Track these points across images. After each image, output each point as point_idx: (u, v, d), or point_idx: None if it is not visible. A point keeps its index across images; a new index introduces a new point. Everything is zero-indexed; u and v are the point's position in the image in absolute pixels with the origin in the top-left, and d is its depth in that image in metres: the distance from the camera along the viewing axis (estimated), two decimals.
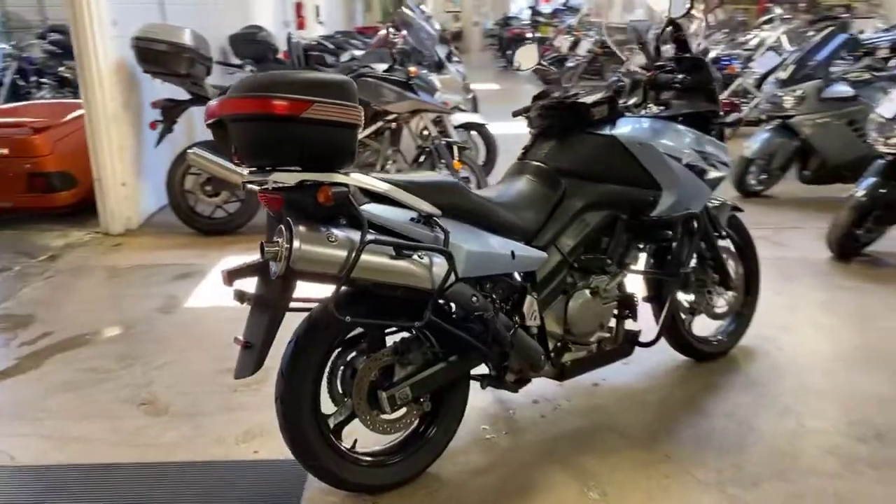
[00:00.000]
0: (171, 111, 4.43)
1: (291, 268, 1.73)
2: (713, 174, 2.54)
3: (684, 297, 2.80)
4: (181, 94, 4.50)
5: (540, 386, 2.49)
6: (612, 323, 2.47)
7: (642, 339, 2.55)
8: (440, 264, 1.91)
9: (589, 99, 2.37)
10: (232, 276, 1.85)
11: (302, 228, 1.76)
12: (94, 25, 4.18)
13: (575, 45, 10.31)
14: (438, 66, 5.36)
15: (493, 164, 5.62)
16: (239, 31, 6.45)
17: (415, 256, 1.89)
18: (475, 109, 7.95)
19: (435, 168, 4.44)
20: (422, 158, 4.43)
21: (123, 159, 4.52)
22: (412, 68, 4.38)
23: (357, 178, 1.87)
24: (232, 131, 1.78)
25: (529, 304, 2.20)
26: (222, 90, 4.43)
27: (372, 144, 4.45)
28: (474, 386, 2.23)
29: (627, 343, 2.51)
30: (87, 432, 2.45)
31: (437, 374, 2.07)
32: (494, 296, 2.14)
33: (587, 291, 2.33)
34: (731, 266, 2.87)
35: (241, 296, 1.87)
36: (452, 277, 1.94)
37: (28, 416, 2.55)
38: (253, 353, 1.83)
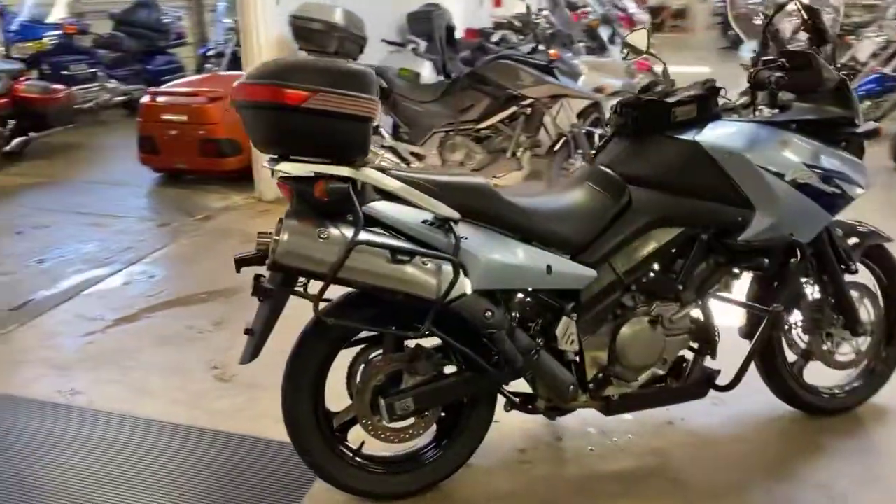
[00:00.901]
0: None
1: (277, 262, 1.69)
2: (836, 196, 2.08)
3: (800, 338, 2.35)
4: None
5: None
6: (684, 356, 2.15)
7: (726, 380, 2.18)
8: (448, 272, 1.76)
9: (673, 97, 2.04)
10: (239, 263, 1.85)
11: (293, 222, 1.71)
12: (258, 3, 4.45)
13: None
14: (601, 49, 5.02)
15: None
16: (416, 10, 6.54)
17: (417, 262, 1.76)
18: None
19: (570, 158, 4.18)
20: (558, 146, 4.19)
21: None
22: (553, 51, 4.13)
23: (368, 174, 1.76)
24: (243, 117, 1.77)
25: (565, 326, 1.96)
26: (376, 70, 4.53)
27: (505, 130, 4.29)
28: None
29: (700, 383, 2.16)
30: (160, 388, 2.63)
31: (445, 390, 1.93)
32: (517, 312, 1.94)
33: (646, 319, 2.02)
34: (866, 308, 2.35)
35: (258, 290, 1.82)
36: (462, 288, 1.79)
37: (120, 364, 2.81)
38: (253, 341, 1.83)
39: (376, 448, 2.03)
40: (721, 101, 2.15)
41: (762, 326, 2.15)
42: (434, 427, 2.06)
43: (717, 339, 2.14)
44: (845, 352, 2.36)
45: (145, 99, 5.24)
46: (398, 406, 1.88)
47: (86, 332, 3.06)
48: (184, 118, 5.03)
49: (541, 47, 4.25)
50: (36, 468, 2.19)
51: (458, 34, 6.46)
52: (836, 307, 2.30)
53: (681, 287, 2.06)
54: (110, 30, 8.14)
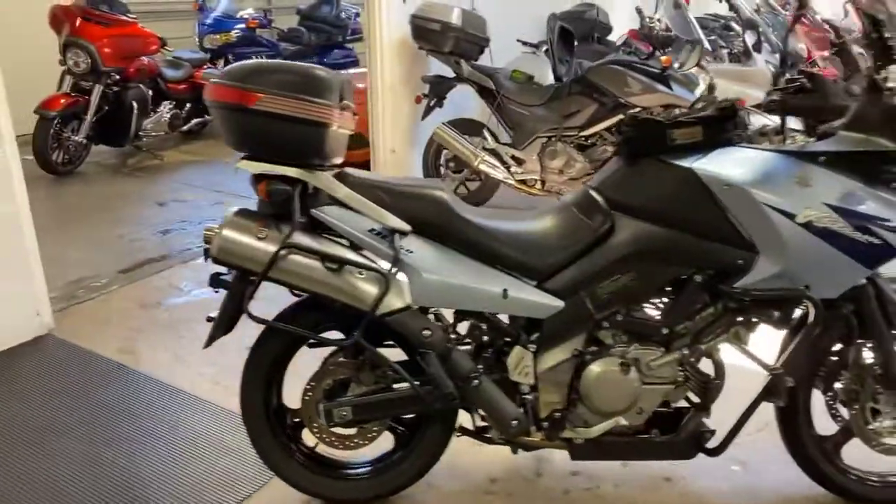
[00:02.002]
0: (438, 87, 4.65)
1: (214, 256, 1.75)
2: (875, 247, 1.72)
3: (843, 410, 1.99)
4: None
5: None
6: (682, 410, 1.91)
7: (717, 443, 1.92)
8: (383, 285, 1.72)
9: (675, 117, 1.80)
10: (207, 252, 1.94)
11: (237, 218, 1.76)
12: (384, 2, 4.59)
13: None
14: (745, 55, 4.54)
15: None
16: (569, 9, 6.36)
17: (353, 271, 1.73)
18: None
19: None
20: None
21: (395, 128, 4.92)
22: (665, 57, 3.80)
23: (319, 178, 1.77)
24: (213, 116, 1.85)
25: (519, 357, 1.83)
26: (486, 71, 4.49)
27: (610, 139, 4.04)
28: None
29: (691, 442, 1.91)
30: (196, 360, 2.84)
31: (382, 404, 1.88)
32: (469, 336, 1.84)
33: (617, 361, 1.82)
34: None
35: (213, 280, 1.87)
36: (399, 303, 1.74)
37: (176, 333, 3.07)
38: (212, 329, 1.91)
39: (333, 451, 2.04)
40: (754, 126, 1.88)
41: (762, 389, 1.84)
42: (393, 438, 2.03)
43: (713, 392, 1.88)
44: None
45: None
46: (336, 413, 1.87)
47: (166, 299, 3.39)
48: None
49: (657, 53, 3.94)
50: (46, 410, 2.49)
51: (616, 36, 6.19)
52: (885, 380, 1.91)
53: (665, 332, 1.83)
54: (296, 24, 8.83)
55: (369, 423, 1.94)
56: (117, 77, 5.54)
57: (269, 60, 1.84)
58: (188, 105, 6.43)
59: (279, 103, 1.69)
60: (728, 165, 1.74)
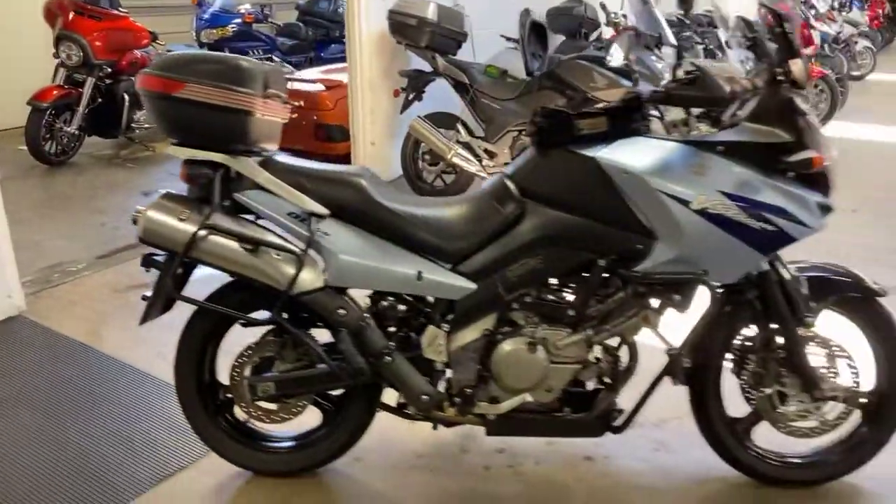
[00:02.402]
0: (415, 81, 4.74)
1: (140, 236, 1.86)
2: (769, 234, 1.79)
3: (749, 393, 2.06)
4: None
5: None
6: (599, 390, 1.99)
7: (634, 422, 2.00)
8: (306, 265, 1.82)
9: (586, 106, 1.88)
10: None
11: (161, 199, 1.86)
12: None
13: None
14: (711, 54, 4.59)
15: None
16: (558, 5, 6.42)
17: (269, 251, 1.83)
18: (832, 108, 6.61)
19: None
20: None
21: (374, 121, 5.02)
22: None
23: (242, 163, 1.87)
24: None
25: (431, 335, 1.92)
26: (460, 65, 4.57)
27: None
28: None
29: (598, 420, 1.99)
30: (155, 340, 2.94)
31: (303, 380, 1.97)
32: (385, 315, 1.93)
33: (525, 341, 1.91)
34: (837, 371, 1.99)
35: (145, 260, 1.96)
36: (315, 283, 1.84)
37: None
38: (146, 308, 2.01)
39: (262, 425, 2.14)
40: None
41: (663, 369, 1.92)
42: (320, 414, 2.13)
43: (624, 375, 1.96)
44: (804, 418, 2.02)
45: None
46: (260, 388, 1.97)
47: (138, 284, 3.51)
48: (301, 103, 5.43)
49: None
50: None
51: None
52: (789, 363, 1.98)
53: (572, 314, 1.91)
54: (295, 19, 8.96)
55: (293, 399, 2.03)
56: (109, 70, 5.67)
57: (197, 51, 1.94)
58: None
59: (202, 92, 1.79)
60: (629, 154, 1.81)
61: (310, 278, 1.85)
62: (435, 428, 2.05)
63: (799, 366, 1.96)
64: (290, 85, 5.57)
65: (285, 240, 1.86)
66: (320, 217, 1.86)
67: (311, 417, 2.12)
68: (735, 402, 2.06)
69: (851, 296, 1.98)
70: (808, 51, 6.53)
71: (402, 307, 1.95)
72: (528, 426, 2.02)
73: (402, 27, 4.55)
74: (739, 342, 2.03)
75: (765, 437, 2.08)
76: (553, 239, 1.87)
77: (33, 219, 4.43)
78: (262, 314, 1.94)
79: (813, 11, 7.44)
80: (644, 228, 1.81)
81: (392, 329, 1.96)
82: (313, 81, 5.54)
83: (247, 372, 2.02)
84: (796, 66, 1.82)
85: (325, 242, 1.86)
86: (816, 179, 1.82)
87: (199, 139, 1.86)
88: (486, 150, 4.40)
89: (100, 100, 5.66)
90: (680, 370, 1.92)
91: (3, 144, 6.15)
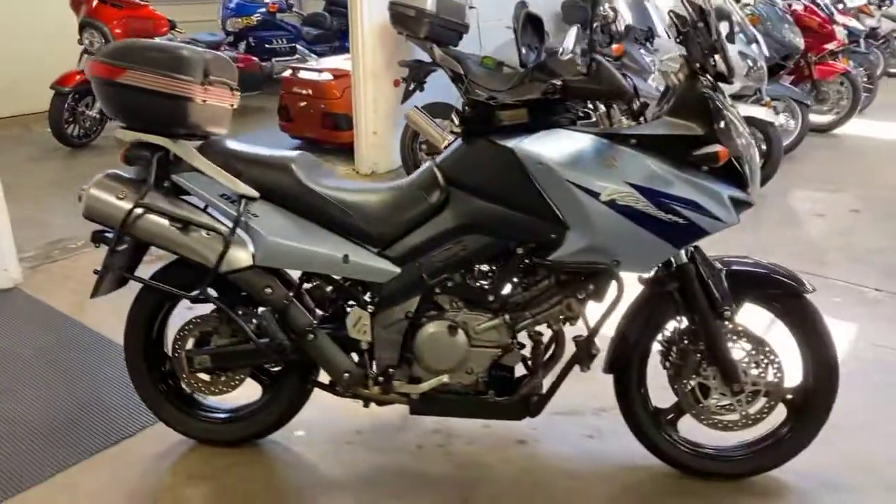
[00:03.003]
0: (416, 71, 4.80)
1: (83, 212, 1.98)
2: (679, 227, 1.81)
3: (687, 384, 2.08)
4: None
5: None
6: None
7: (555, 408, 2.05)
8: (234, 244, 1.92)
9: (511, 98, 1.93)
10: None
11: (104, 178, 1.98)
12: None
13: None
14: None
15: (770, 173, 4.60)
16: None
17: (200, 231, 1.94)
18: (854, 105, 6.45)
19: None
20: None
21: (376, 111, 5.10)
22: (616, 45, 3.85)
23: (180, 146, 1.97)
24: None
25: (356, 316, 1.99)
26: (457, 56, 4.62)
27: None
28: None
29: (520, 403, 2.04)
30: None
31: (235, 354, 2.08)
32: (314, 294, 2.02)
33: (446, 324, 1.97)
34: (760, 365, 2.00)
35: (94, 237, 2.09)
36: (242, 262, 1.94)
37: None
38: (97, 282, 2.13)
39: (205, 396, 2.25)
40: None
41: (571, 356, 1.97)
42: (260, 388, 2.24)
43: (548, 362, 2.01)
44: (726, 411, 2.04)
45: (287, 72, 5.87)
46: (196, 360, 2.08)
47: None
48: (309, 92, 5.56)
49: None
50: None
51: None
52: (710, 356, 2.00)
53: (492, 299, 1.97)
54: (321, 9, 9.08)
55: (231, 372, 2.14)
56: None
57: (141, 40, 2.04)
58: None
59: (143, 78, 1.89)
60: (545, 146, 1.85)
61: (237, 258, 1.94)
62: (366, 406, 2.13)
63: (719, 358, 1.98)
64: (299, 74, 5.72)
65: (216, 220, 1.96)
66: (251, 199, 1.96)
67: (255, 390, 2.22)
68: (666, 394, 2.09)
69: (774, 292, 1.99)
70: (832, 46, 6.37)
71: (329, 288, 2.03)
72: (450, 406, 2.08)
73: (402, 18, 4.61)
74: (667, 334, 2.06)
75: (697, 428, 2.10)
76: (473, 226, 1.93)
77: (47, 198, 4.66)
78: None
79: (840, 6, 7.23)
80: (557, 218, 1.85)
81: (320, 309, 2.04)
82: (321, 71, 5.65)
83: (189, 345, 2.14)
84: (718, 59, 1.84)
85: (253, 223, 1.95)
86: (732, 174, 1.84)
87: (143, 123, 1.97)
88: None
89: None
90: (587, 356, 1.96)
91: (30, 127, 6.44)
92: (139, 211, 1.93)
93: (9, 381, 2.60)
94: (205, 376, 2.14)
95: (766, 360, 2.01)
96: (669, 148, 1.82)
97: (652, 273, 2.01)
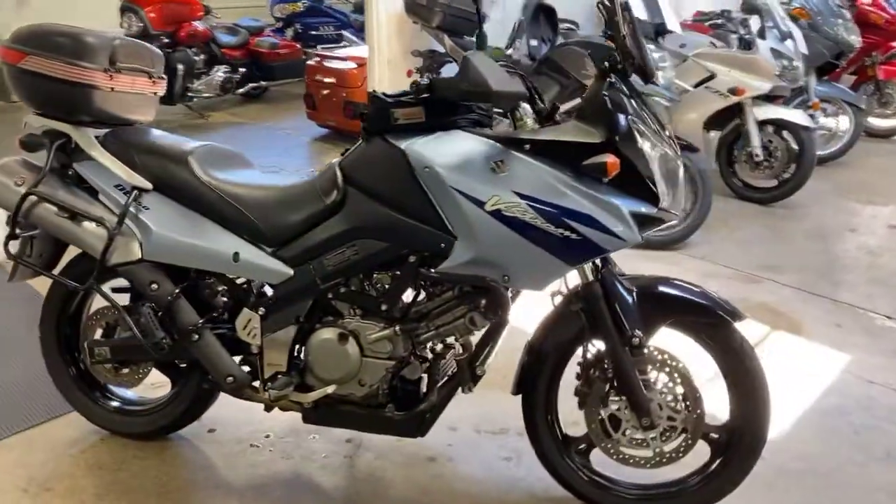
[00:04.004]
0: (430, 61, 4.69)
1: None
2: (572, 242, 1.64)
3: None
4: None
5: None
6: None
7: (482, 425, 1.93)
8: (122, 236, 1.89)
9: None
10: None
11: (8, 161, 1.98)
12: None
13: None
14: (747, 45, 4.19)
15: (801, 180, 4.25)
16: None
17: (90, 221, 1.90)
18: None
19: None
20: None
21: None
22: None
23: (80, 134, 1.94)
24: None
25: (246, 318, 1.92)
26: (466, 46, 4.47)
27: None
28: None
29: (414, 420, 1.92)
30: None
31: (130, 349, 2.04)
32: (204, 293, 1.95)
33: (336, 332, 1.86)
34: (674, 397, 1.81)
35: None
36: (131, 255, 1.89)
37: None
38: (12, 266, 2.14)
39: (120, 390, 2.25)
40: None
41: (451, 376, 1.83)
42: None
43: (436, 376, 1.89)
44: (639, 446, 1.85)
45: (313, 60, 5.86)
46: (96, 351, 2.06)
47: None
48: (333, 80, 5.53)
49: None
50: None
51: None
52: (619, 386, 1.82)
53: (384, 308, 1.85)
54: None
55: (134, 365, 2.11)
56: (166, 40, 6.02)
57: (49, 24, 1.98)
58: (243, 69, 6.85)
59: (43, 64, 1.87)
60: (435, 148, 1.71)
61: (126, 250, 1.90)
62: (267, 410, 2.06)
63: (627, 388, 1.80)
64: (323, 62, 5.69)
65: (109, 211, 1.92)
66: (143, 191, 1.91)
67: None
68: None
69: (696, 319, 1.78)
70: None
71: (221, 287, 1.97)
72: (344, 418, 1.97)
73: (416, 7, 4.49)
74: (588, 357, 1.89)
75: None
76: (366, 230, 1.81)
77: None
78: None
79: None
80: (445, 226, 1.71)
81: (211, 308, 1.98)
82: (344, 59, 5.61)
83: (96, 335, 2.12)
84: (625, 56, 1.66)
85: (143, 216, 1.90)
86: (639, 187, 1.65)
87: (48, 109, 1.95)
88: None
89: None
90: (468, 379, 1.82)
91: None
92: (33, 198, 1.91)
93: None
94: (110, 367, 2.12)
95: (685, 393, 1.81)
96: (565, 155, 1.65)
97: (560, 288, 1.85)
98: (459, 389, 1.85)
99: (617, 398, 1.83)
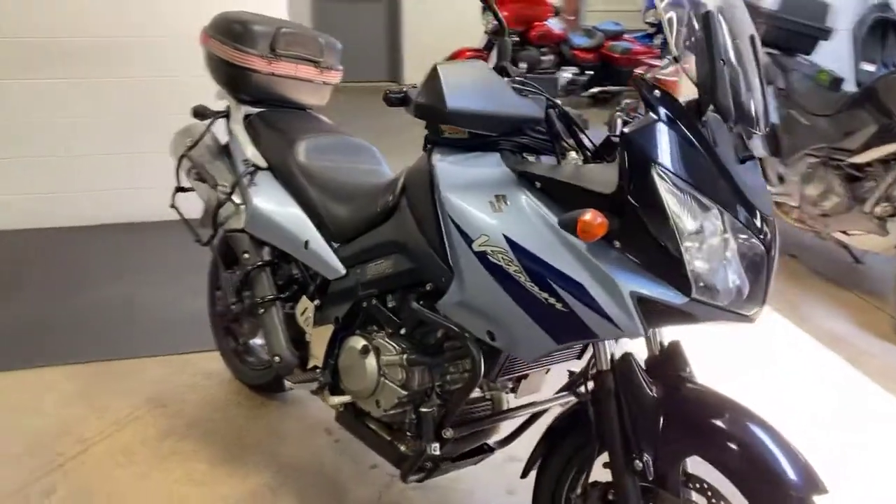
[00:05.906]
0: None
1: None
2: (557, 313, 1.27)
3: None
4: None
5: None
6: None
7: None
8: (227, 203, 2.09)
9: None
10: None
11: (192, 124, 2.31)
12: None
13: None
14: None
15: None
16: None
17: (212, 187, 2.13)
18: None
19: None
20: None
21: None
22: None
23: (234, 110, 2.19)
24: None
25: (303, 305, 1.95)
26: (785, 66, 3.72)
27: (871, 172, 2.98)
28: None
29: (411, 460, 1.71)
30: None
31: None
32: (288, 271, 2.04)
33: (361, 342, 1.77)
34: None
35: None
36: (238, 223, 2.07)
37: None
38: None
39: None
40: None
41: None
42: None
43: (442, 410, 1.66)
44: None
45: (641, 69, 5.49)
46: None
47: None
48: None
49: None
50: None
51: None
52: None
53: (402, 331, 1.69)
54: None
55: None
56: (517, 38, 6.28)
57: (234, 12, 2.21)
58: (590, 72, 6.81)
59: (218, 47, 2.14)
60: (455, 170, 1.47)
61: (236, 219, 2.07)
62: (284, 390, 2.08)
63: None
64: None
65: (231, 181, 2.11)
66: (259, 168, 2.06)
67: None
68: None
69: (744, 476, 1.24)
70: None
71: (296, 271, 2.02)
72: (363, 433, 1.86)
73: None
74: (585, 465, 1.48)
75: None
76: (401, 245, 1.67)
77: None
78: None
79: None
80: (447, 259, 1.48)
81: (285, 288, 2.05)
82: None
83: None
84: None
85: (251, 191, 2.05)
86: (672, 262, 1.20)
87: (222, 85, 2.23)
88: (778, 175, 3.55)
89: None
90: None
91: None
92: (187, 156, 2.22)
93: None
94: None
95: None
96: (577, 203, 1.28)
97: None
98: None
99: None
